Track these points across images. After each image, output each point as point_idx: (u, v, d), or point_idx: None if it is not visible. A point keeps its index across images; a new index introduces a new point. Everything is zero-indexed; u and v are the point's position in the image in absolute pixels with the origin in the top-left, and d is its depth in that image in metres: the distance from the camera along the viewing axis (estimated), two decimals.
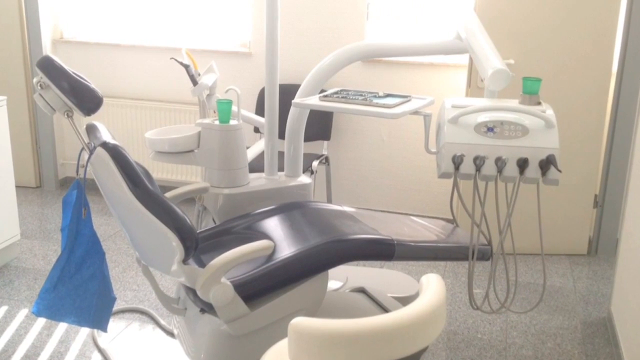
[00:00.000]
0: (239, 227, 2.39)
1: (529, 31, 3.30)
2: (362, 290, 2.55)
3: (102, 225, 3.85)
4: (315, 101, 2.40)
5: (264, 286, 2.00)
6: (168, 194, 2.33)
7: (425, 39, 2.67)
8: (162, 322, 2.77)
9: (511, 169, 2.09)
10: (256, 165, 3.25)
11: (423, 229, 2.40)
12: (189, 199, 2.63)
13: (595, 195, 3.56)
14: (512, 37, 3.31)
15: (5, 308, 2.86)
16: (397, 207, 4.07)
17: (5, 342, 2.60)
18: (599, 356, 2.62)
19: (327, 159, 3.92)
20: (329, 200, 4.02)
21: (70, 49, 4.36)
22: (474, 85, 3.41)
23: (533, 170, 2.09)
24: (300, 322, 1.14)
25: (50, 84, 1.93)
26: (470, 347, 2.66)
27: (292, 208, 2.47)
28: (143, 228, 1.91)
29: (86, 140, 2.00)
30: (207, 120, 2.60)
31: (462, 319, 2.89)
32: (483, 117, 2.14)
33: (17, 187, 4.33)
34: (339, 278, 2.83)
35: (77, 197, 2.08)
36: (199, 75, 2.93)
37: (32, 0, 4.15)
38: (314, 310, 2.11)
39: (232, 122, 2.59)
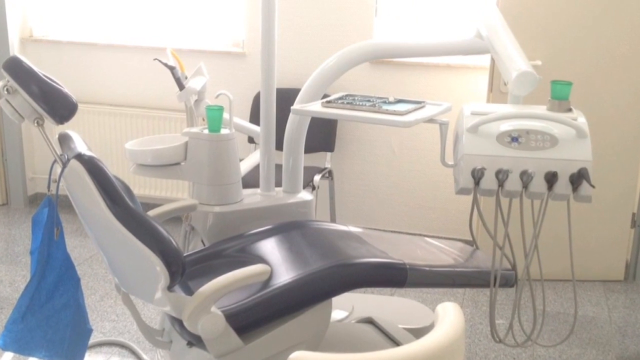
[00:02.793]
0: (231, 250, 2.39)
1: (558, 29, 3.32)
2: (370, 321, 2.55)
3: (77, 248, 3.86)
4: (317, 107, 2.40)
5: (259, 316, 2.00)
6: (151, 212, 2.33)
7: (441, 38, 2.68)
8: (145, 357, 2.77)
9: (538, 184, 2.09)
10: (250, 180, 3.26)
11: (439, 252, 2.40)
12: (175, 218, 2.64)
13: (633, 214, 3.56)
14: (539, 36, 3.33)
15: None
16: (410, 227, 4.07)
17: None
18: None
19: (330, 172, 3.93)
20: (333, 220, 4.02)
21: (40, 48, 4.38)
22: (496, 90, 3.42)
23: (563, 186, 2.09)
24: (300, 356, 1.14)
25: (18, 88, 1.94)
26: None
27: (291, 228, 2.47)
28: (123, 251, 1.91)
29: (59, 151, 2.01)
30: (195, 129, 2.61)
31: (482, 353, 2.89)
32: (506, 126, 2.14)
33: None
34: (344, 307, 2.83)
35: (49, 215, 2.08)
36: (186, 78, 2.94)
37: None
38: (316, 343, 2.11)
39: (224, 131, 2.60)
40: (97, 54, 4.29)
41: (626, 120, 3.40)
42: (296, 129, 2.77)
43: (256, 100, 4.01)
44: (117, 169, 4.32)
